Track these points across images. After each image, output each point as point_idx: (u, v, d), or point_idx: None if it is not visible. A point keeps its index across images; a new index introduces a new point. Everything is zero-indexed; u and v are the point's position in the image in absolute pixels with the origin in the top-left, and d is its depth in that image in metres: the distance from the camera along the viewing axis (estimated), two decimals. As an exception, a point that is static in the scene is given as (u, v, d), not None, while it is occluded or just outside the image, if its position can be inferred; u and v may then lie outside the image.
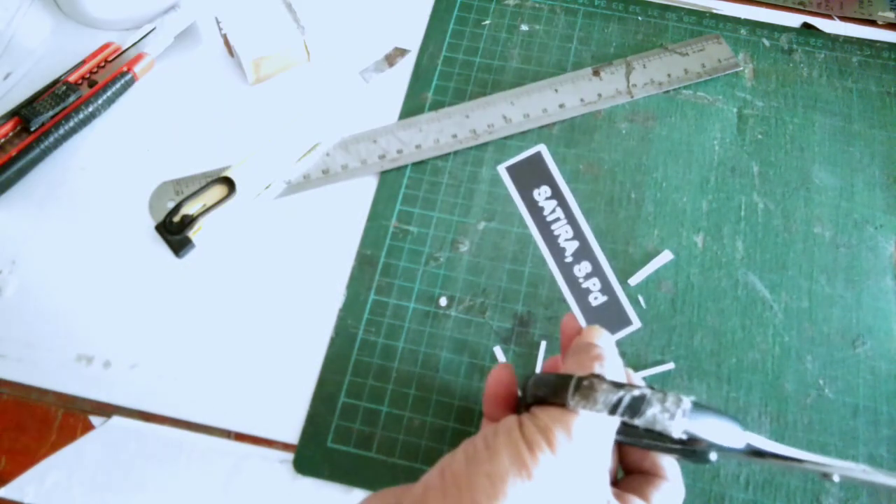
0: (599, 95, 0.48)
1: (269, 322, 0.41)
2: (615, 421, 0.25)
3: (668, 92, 0.49)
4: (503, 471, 0.24)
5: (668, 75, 0.49)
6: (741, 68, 0.50)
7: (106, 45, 0.47)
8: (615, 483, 0.29)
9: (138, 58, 0.47)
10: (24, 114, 0.44)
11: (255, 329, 0.41)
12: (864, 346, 0.41)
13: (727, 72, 0.49)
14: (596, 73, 0.49)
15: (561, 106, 0.48)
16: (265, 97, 0.49)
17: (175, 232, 0.42)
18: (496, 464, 0.24)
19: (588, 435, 0.25)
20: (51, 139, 0.44)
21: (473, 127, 0.47)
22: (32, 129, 0.44)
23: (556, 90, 0.48)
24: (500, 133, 0.47)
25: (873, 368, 0.40)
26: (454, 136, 0.46)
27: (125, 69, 0.46)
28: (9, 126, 0.44)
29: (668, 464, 0.29)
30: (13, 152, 0.43)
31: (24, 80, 0.48)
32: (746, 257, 0.43)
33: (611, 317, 0.40)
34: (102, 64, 0.47)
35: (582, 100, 0.48)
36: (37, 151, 0.44)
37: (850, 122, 0.48)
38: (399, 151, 0.46)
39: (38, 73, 0.48)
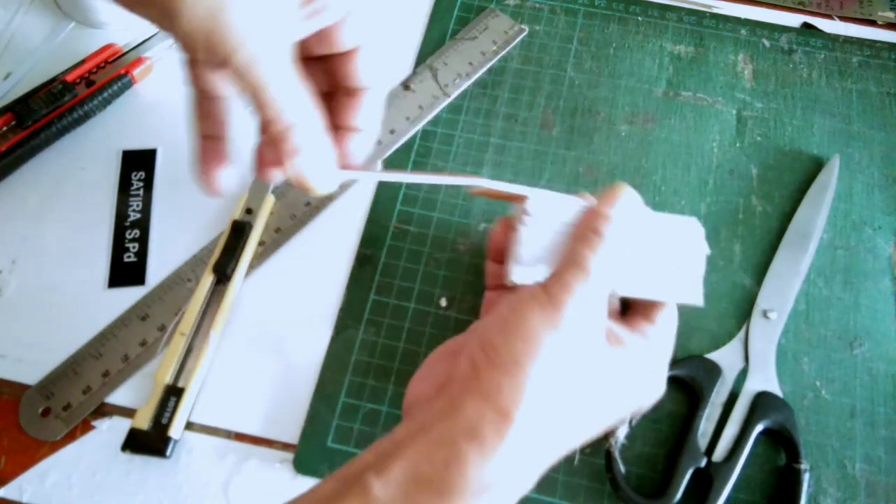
0: (420, 107, 0.47)
1: (269, 322, 0.41)
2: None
3: (668, 94, 0.49)
4: (535, 330, 0.28)
5: (470, 63, 0.49)
6: (526, 31, 0.51)
7: (107, 47, 0.47)
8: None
9: (138, 61, 0.47)
10: (17, 110, 0.44)
11: (254, 329, 0.41)
12: (861, 347, 0.41)
13: (517, 39, 0.50)
14: (406, 86, 0.48)
15: (392, 132, 0.47)
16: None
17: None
18: (528, 326, 0.28)
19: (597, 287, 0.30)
20: (42, 136, 0.44)
21: None
22: (26, 125, 0.44)
23: None
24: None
25: (871, 370, 0.40)
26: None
27: (123, 72, 0.47)
28: (1, 121, 0.44)
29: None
30: (4, 147, 0.43)
31: (24, 80, 0.48)
32: (744, 260, 0.43)
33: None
34: (102, 65, 0.47)
35: (407, 118, 0.47)
36: (28, 147, 0.44)
37: (849, 122, 0.48)
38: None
39: (39, 73, 0.48)
